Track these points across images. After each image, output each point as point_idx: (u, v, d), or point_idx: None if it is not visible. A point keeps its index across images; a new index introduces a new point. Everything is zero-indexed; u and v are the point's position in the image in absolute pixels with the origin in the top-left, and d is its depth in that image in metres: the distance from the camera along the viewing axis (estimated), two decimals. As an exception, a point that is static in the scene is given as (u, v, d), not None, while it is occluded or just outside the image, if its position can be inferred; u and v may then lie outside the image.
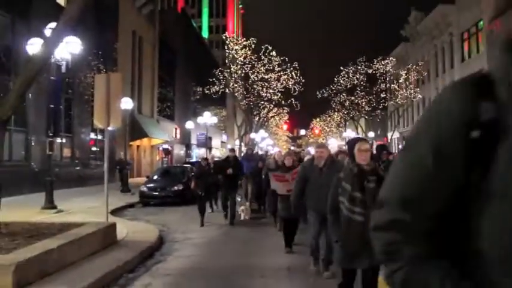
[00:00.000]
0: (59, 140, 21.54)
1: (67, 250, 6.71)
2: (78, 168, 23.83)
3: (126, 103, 19.49)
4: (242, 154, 24.54)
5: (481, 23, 32.63)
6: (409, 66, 42.97)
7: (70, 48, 13.05)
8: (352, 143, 4.34)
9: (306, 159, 8.58)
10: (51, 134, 13.65)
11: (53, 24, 10.40)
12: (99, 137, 26.28)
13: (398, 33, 50.54)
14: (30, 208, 13.25)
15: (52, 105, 13.65)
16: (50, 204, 13.29)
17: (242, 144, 42.33)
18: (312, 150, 18.90)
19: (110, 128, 10.19)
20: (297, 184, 6.78)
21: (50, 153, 13.87)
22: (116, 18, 29.00)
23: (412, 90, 41.50)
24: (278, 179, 9.18)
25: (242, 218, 12.28)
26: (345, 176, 4.18)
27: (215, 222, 12.15)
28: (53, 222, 8.84)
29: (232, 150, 13.93)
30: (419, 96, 42.25)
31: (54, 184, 13.87)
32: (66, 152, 23.59)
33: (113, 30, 28.46)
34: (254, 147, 43.78)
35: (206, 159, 13.81)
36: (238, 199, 12.97)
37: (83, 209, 14.22)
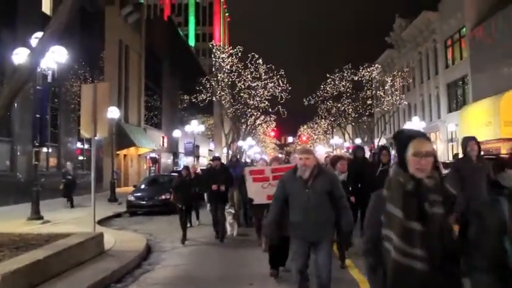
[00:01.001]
0: (45, 150, 21.39)
1: (54, 261, 6.67)
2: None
3: (113, 112, 19.43)
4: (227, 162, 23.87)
5: (464, 29, 33.11)
6: (395, 72, 43.41)
7: (56, 57, 13.02)
8: (403, 140, 2.62)
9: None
10: (37, 144, 13.56)
11: (39, 34, 10.39)
12: (86, 146, 26.15)
13: (383, 40, 51.10)
14: (16, 219, 13.14)
15: (38, 115, 13.55)
16: (36, 215, 13.18)
17: (230, 152, 42.34)
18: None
19: (96, 138, 10.17)
20: (272, 206, 5.28)
21: (36, 163, 13.77)
22: (102, 27, 28.97)
23: (398, 97, 41.90)
24: (256, 178, 7.95)
25: (229, 233, 10.96)
26: (391, 195, 2.54)
27: (202, 233, 12.07)
28: (40, 233, 8.78)
29: (217, 158, 11.59)
30: (405, 102, 42.68)
31: (41, 194, 13.77)
32: (53, 162, 23.43)
33: (99, 39, 28.41)
34: (242, 154, 43.88)
35: (187, 168, 12.24)
36: (232, 211, 11.27)
37: (70, 219, 14.13)
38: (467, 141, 6.61)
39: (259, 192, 7.68)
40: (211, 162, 11.44)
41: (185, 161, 45.15)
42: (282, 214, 5.14)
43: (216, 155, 14.86)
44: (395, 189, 2.54)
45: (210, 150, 63.16)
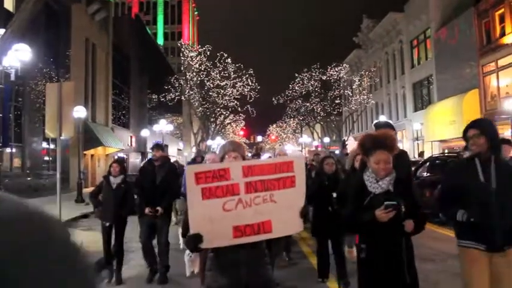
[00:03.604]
0: (8, 150, 20.89)
1: (18, 263, 6.53)
2: (29, 178, 23.14)
3: (79, 111, 19.12)
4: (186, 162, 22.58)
5: (429, 30, 33.88)
6: (362, 72, 44.10)
7: (19, 55, 12.74)
8: None
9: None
10: (0, 144, 13.25)
11: (0, 31, 10.16)
12: (52, 146, 25.64)
13: (351, 40, 51.80)
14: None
15: (0, 114, 13.23)
16: (-1, 217, 12.88)
17: (196, 149, 42.25)
18: (267, 155, 17.07)
19: (62, 138, 10.01)
20: None
21: (-1, 164, 13.48)
22: (68, 25, 28.44)
23: (366, 96, 42.58)
24: (209, 190, 3.13)
25: (188, 273, 7.18)
26: None
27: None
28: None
29: (159, 146, 7.48)
30: (373, 101, 43.41)
31: (4, 196, 13.45)
32: (17, 163, 22.89)
33: (65, 37, 27.90)
34: (209, 153, 43.72)
35: (120, 161, 7.99)
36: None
37: (35, 220, 13.85)
38: None
39: (214, 220, 3.10)
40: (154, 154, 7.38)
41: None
42: None
43: (157, 141, 9.67)
44: None
45: (179, 149, 62.81)
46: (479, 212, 3.54)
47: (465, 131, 3.86)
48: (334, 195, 6.14)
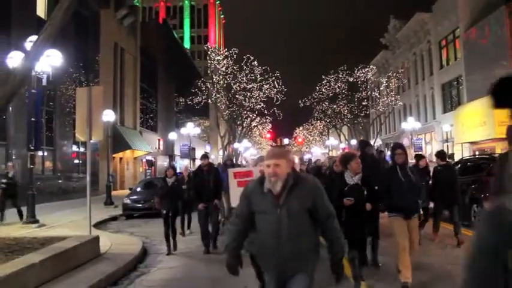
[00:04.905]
0: (40, 153, 21.35)
1: (49, 264, 6.67)
2: (60, 181, 23.62)
3: (108, 115, 19.41)
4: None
5: (458, 30, 33.26)
6: (390, 73, 43.55)
7: (51, 61, 13.03)
8: None
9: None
10: (32, 148, 13.52)
11: (33, 38, 10.38)
12: (82, 149, 26.11)
13: (378, 42, 51.28)
14: (11, 222, 13.12)
15: (33, 119, 13.52)
16: (31, 219, 13.18)
17: (226, 153, 42.35)
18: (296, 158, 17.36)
19: (91, 141, 10.17)
20: (233, 225, 3.82)
21: (32, 166, 13.77)
22: (98, 30, 28.97)
23: (393, 98, 42.05)
24: (242, 182, 7.20)
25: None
26: None
27: (196, 236, 11.98)
28: (35, 237, 8.78)
29: (206, 156, 10.40)
30: (400, 103, 42.84)
31: (36, 198, 13.75)
32: (48, 165, 23.40)
33: (94, 42, 28.41)
34: (238, 156, 43.83)
35: (173, 167, 10.74)
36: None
37: (66, 222, 14.12)
38: None
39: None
40: (202, 162, 10.07)
41: (181, 163, 45.12)
42: (245, 237, 3.82)
43: (205, 152, 12.30)
44: None
45: (206, 152, 63.07)
46: (399, 197, 6.31)
47: (394, 149, 6.57)
48: None
